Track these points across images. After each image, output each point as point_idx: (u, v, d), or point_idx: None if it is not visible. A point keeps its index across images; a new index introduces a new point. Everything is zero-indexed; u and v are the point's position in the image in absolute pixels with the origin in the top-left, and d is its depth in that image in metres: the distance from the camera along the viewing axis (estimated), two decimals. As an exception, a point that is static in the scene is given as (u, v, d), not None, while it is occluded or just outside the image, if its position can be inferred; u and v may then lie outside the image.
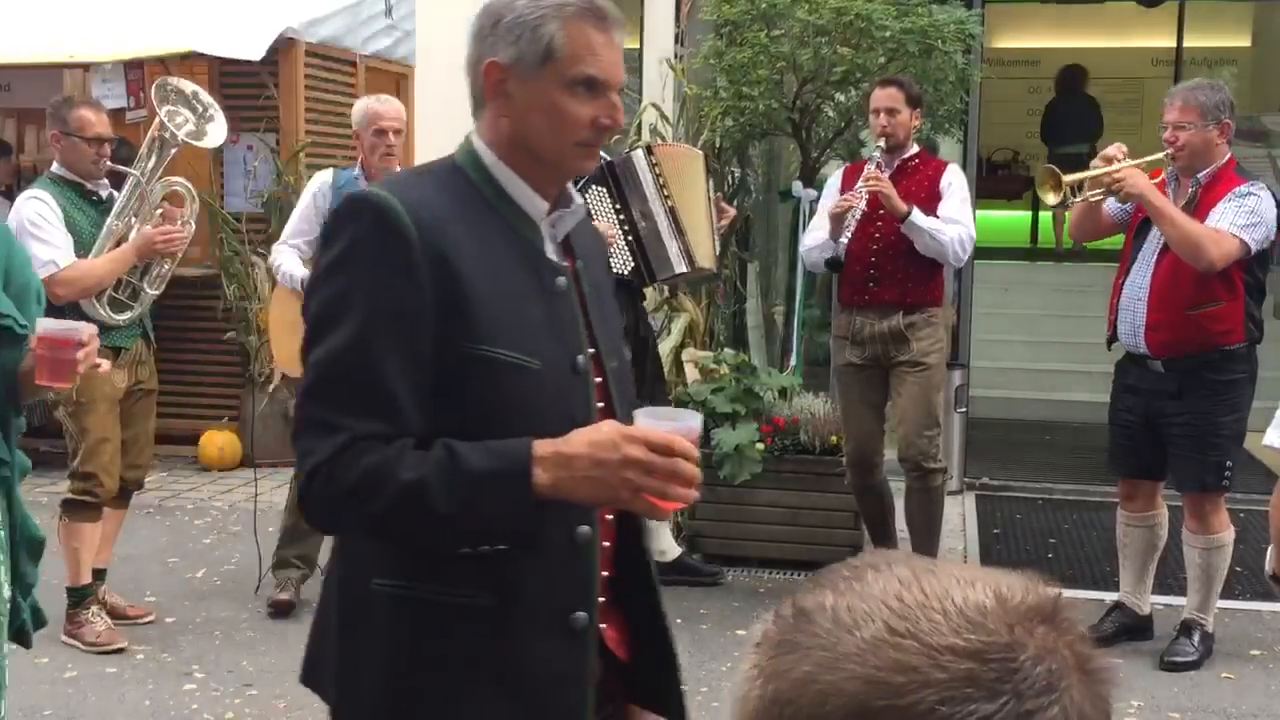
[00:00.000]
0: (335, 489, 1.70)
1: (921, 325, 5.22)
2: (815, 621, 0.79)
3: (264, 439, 7.40)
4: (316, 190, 5.28)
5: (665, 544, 5.66)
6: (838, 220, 5.11)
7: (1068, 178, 4.71)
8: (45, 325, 2.84)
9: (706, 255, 5.38)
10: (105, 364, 3.25)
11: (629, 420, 1.74)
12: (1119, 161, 4.60)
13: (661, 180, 5.29)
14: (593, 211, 5.29)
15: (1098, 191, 4.66)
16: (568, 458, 1.66)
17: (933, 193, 5.18)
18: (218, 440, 7.59)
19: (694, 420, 1.72)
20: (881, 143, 5.15)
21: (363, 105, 5.33)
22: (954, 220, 5.12)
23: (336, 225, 1.78)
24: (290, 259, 5.25)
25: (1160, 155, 4.66)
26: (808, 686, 0.77)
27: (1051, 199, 4.79)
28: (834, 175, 5.54)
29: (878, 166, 5.13)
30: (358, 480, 1.68)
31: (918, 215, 5.05)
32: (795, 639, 0.80)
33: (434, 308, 1.71)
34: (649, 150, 5.41)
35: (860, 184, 5.08)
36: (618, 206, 5.29)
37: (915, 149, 5.30)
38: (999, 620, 0.77)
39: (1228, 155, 4.66)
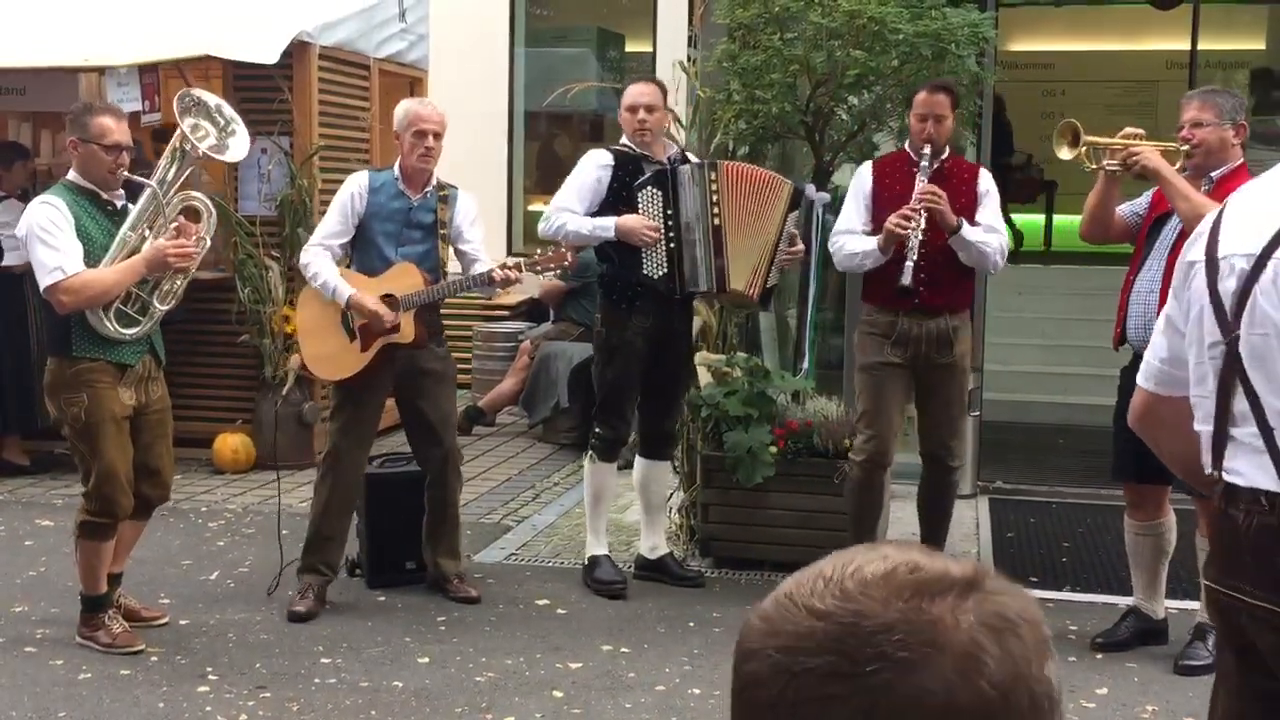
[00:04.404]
0: None
1: (962, 328, 5.33)
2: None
3: (278, 442, 7.41)
4: (354, 191, 5.23)
5: (657, 540, 5.66)
6: (892, 238, 5.05)
7: (1088, 136, 4.73)
8: None
9: (743, 281, 5.37)
10: None
11: None
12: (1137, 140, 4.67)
13: (715, 198, 5.30)
14: (645, 211, 5.31)
15: (1114, 163, 4.68)
16: None
17: (971, 198, 5.24)
18: (231, 443, 7.61)
19: None
20: (927, 149, 5.12)
21: (405, 106, 5.33)
22: (994, 229, 5.24)
23: None
24: (326, 265, 5.17)
25: (1176, 146, 4.65)
26: None
27: (1065, 154, 4.79)
28: (863, 168, 5.45)
29: (927, 178, 5.10)
30: None
31: (967, 229, 5.12)
32: None
33: None
34: (711, 166, 5.40)
35: (915, 201, 5.03)
36: (669, 212, 5.31)
37: (947, 150, 5.32)
38: (883, 590, 0.88)
39: (1242, 158, 4.64)
